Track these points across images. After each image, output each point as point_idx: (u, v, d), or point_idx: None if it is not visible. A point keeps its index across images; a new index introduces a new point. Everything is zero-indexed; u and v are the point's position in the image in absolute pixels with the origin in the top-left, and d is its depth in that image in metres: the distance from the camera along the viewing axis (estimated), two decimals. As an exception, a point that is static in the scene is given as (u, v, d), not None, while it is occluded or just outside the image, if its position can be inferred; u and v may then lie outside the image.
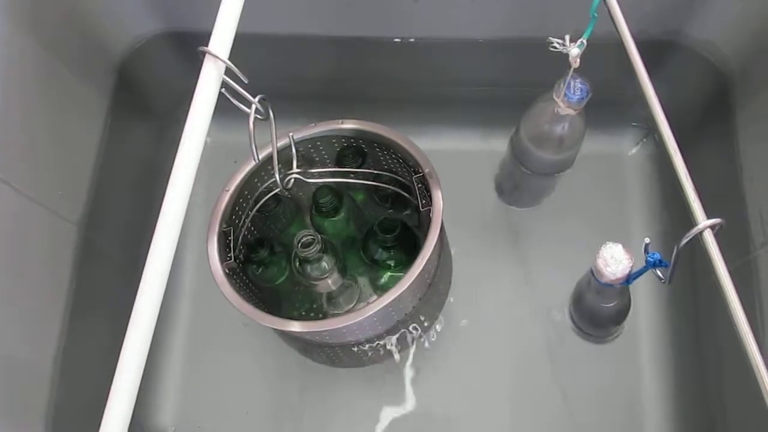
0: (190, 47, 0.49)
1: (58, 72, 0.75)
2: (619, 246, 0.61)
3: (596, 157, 0.88)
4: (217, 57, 0.46)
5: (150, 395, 0.81)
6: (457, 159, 0.88)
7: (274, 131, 0.59)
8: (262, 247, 0.69)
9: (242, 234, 0.72)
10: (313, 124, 0.71)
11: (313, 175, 0.70)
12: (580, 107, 0.65)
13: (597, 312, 0.72)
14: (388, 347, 0.75)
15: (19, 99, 0.69)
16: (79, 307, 0.74)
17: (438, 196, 0.66)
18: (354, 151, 0.73)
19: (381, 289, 0.77)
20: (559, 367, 0.80)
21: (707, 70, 0.81)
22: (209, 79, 0.46)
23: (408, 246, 0.70)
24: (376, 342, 0.72)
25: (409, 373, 0.81)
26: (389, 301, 0.62)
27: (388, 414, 0.79)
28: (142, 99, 0.91)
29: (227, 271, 0.66)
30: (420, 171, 0.68)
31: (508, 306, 0.83)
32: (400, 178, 0.73)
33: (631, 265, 0.60)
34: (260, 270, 0.71)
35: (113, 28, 0.83)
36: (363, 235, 0.74)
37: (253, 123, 0.53)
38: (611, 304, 0.69)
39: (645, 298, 0.82)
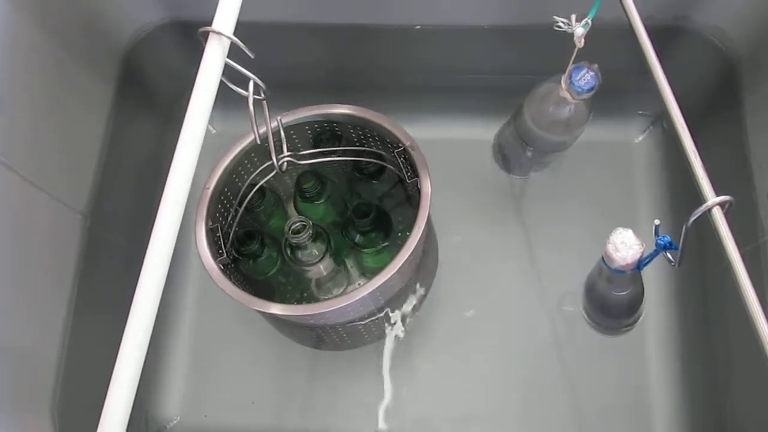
0: (195, 37, 0.49)
1: (62, 60, 0.75)
2: (630, 231, 0.60)
3: (603, 145, 0.87)
4: (222, 33, 0.45)
5: (155, 385, 0.81)
6: (460, 148, 0.89)
7: (267, 112, 0.59)
8: (252, 241, 0.69)
9: (232, 230, 0.72)
10: (286, 113, 0.71)
11: (304, 157, 0.70)
12: (582, 98, 0.65)
13: (609, 300, 0.71)
14: (392, 320, 0.76)
15: (24, 87, 0.68)
16: (85, 296, 0.74)
17: (425, 175, 0.67)
18: (330, 134, 0.74)
19: (368, 271, 0.78)
20: (567, 359, 0.79)
21: (715, 56, 0.80)
22: (214, 56, 0.45)
23: (385, 225, 0.71)
24: (376, 315, 0.73)
25: (414, 363, 0.80)
26: (390, 275, 0.63)
27: (393, 402, 0.79)
28: (147, 89, 0.91)
29: (221, 267, 0.66)
30: (401, 145, 0.68)
31: (516, 296, 0.82)
32: (383, 152, 0.74)
33: (641, 250, 0.59)
34: (251, 263, 0.71)
35: (118, 17, 0.83)
36: (343, 218, 0.74)
37: (253, 103, 0.53)
38: (623, 292, 0.68)
39: (654, 291, 0.81)
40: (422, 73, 0.91)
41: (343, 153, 0.73)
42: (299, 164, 0.68)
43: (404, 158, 0.69)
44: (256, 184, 0.72)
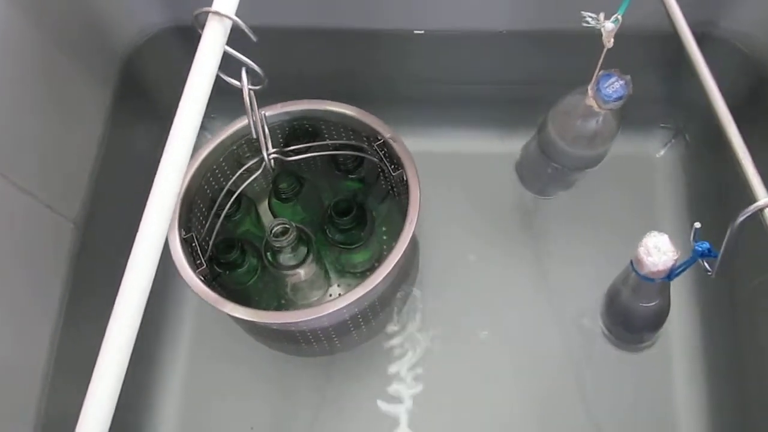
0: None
1: (59, 63, 0.72)
2: (665, 236, 0.57)
3: (622, 159, 0.84)
4: (223, 14, 0.42)
5: (150, 408, 0.78)
6: (473, 162, 0.87)
7: (255, 105, 0.56)
8: (233, 250, 0.68)
9: (212, 239, 0.71)
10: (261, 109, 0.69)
11: (289, 154, 0.69)
12: (610, 108, 0.63)
13: (632, 312, 0.67)
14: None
15: (18, 89, 0.66)
16: (74, 309, 0.71)
17: (410, 165, 0.66)
18: (302, 133, 0.73)
19: (349, 269, 0.77)
20: (585, 379, 0.76)
21: (744, 64, 0.78)
22: (214, 39, 0.42)
23: (366, 220, 0.70)
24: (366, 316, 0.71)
25: (426, 384, 0.77)
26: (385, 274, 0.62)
27: (404, 424, 0.76)
28: (147, 95, 0.88)
29: (202, 278, 0.64)
30: (380, 138, 0.68)
31: (532, 316, 0.79)
32: (364, 146, 0.73)
33: (675, 258, 0.56)
34: (231, 273, 0.70)
35: (119, 18, 0.80)
36: (321, 217, 0.73)
37: (249, 94, 0.49)
38: (649, 304, 0.65)
39: (678, 304, 0.77)
40: (433, 82, 0.89)
41: (323, 148, 0.72)
42: (286, 161, 0.67)
43: (385, 151, 0.69)
44: (232, 190, 0.71)
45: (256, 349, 0.78)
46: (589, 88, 0.63)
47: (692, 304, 0.78)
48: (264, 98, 0.60)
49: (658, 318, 0.68)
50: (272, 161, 0.66)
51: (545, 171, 0.77)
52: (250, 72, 0.50)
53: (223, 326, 0.77)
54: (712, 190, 0.82)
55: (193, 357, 0.81)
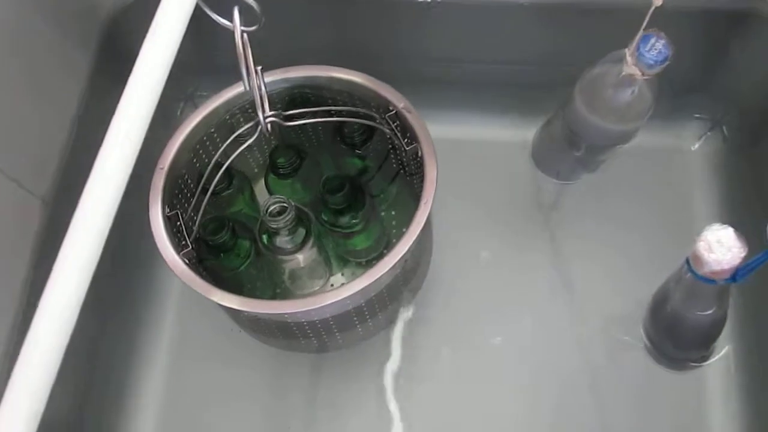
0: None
1: (34, 26, 0.69)
2: (729, 229, 0.52)
3: (654, 151, 0.81)
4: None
5: (129, 410, 0.76)
6: (486, 149, 0.84)
7: (249, 52, 0.49)
8: (222, 230, 0.64)
9: (198, 217, 0.67)
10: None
11: (290, 118, 0.63)
12: (654, 73, 0.59)
13: (683, 322, 0.62)
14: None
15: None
16: (38, 293, 0.64)
17: (426, 139, 0.62)
18: (305, 102, 0.69)
19: (353, 256, 0.74)
20: (609, 394, 0.72)
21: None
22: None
23: (363, 200, 0.67)
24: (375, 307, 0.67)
25: (431, 397, 0.74)
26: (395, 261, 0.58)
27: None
28: (130, 63, 0.82)
29: (187, 261, 0.60)
30: (391, 108, 0.64)
31: (552, 323, 0.76)
32: (375, 115, 0.68)
33: (742, 255, 0.50)
34: (221, 256, 0.66)
35: (102, -21, 0.76)
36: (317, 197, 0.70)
37: (242, 37, 0.43)
38: (705, 312, 0.59)
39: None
40: (446, 60, 0.85)
41: (328, 115, 0.68)
42: (284, 125, 0.62)
43: (397, 123, 0.65)
44: (222, 162, 0.67)
45: (246, 344, 0.76)
46: (629, 54, 0.58)
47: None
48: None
49: (713, 330, 0.63)
50: (269, 126, 0.60)
51: (570, 151, 0.73)
52: (244, 10, 0.44)
53: (210, 318, 0.75)
54: (751, 187, 0.78)
55: (176, 353, 0.78)
